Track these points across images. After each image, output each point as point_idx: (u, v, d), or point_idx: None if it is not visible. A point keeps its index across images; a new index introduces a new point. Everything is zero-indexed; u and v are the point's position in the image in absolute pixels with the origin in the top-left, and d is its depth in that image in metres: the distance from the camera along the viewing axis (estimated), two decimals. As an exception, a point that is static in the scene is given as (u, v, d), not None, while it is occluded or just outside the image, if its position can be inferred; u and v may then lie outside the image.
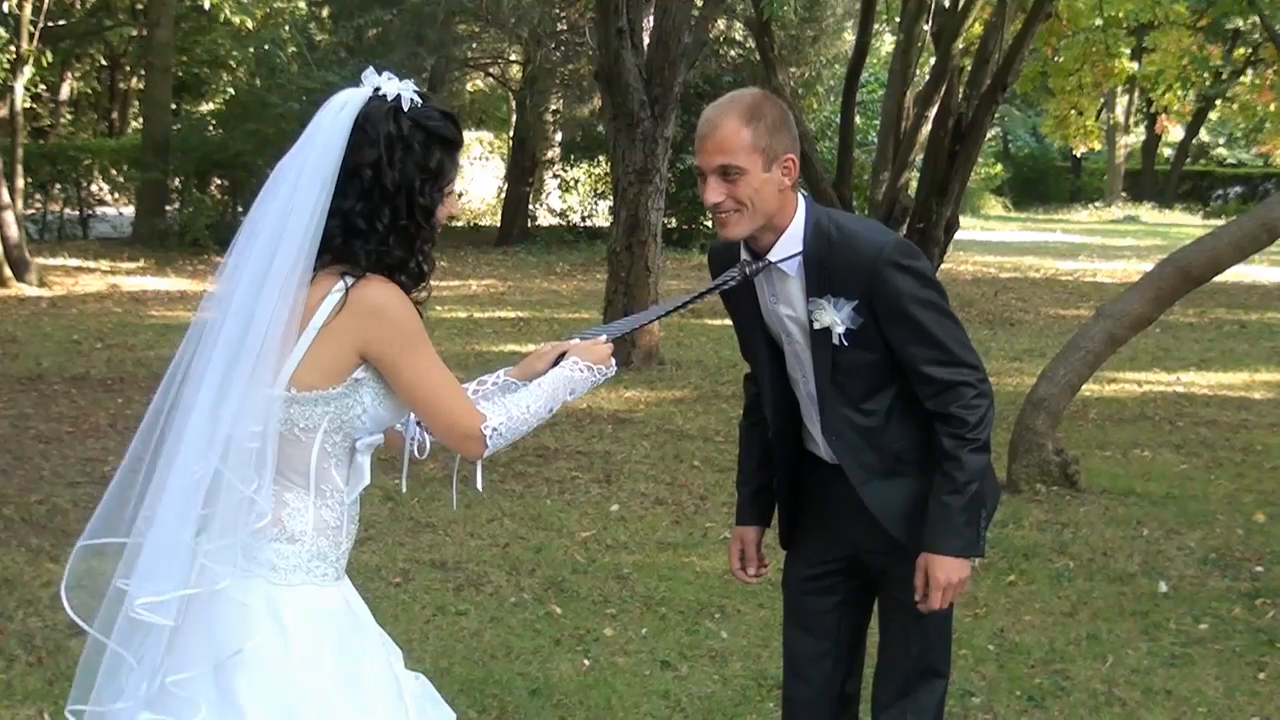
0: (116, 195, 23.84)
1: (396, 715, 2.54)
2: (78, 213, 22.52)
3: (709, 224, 21.35)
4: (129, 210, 22.88)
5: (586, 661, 5.04)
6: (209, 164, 21.36)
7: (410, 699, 2.59)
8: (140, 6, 24.07)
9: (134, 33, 25.53)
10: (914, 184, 15.01)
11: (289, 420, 2.47)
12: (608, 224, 18.57)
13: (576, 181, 26.18)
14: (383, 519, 6.75)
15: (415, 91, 2.53)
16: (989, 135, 23.44)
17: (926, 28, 14.89)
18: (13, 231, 16.12)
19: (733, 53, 23.11)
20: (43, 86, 26.04)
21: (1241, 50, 27.19)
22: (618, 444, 8.78)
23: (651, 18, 12.19)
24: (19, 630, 5.14)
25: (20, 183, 17.80)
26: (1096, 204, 41.04)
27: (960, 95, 13.73)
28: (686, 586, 5.91)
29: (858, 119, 18.07)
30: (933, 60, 15.33)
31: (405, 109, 2.50)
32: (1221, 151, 48.01)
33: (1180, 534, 6.91)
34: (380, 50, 21.44)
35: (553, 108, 25.50)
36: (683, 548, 6.54)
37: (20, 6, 17.21)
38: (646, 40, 11.94)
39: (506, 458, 7.95)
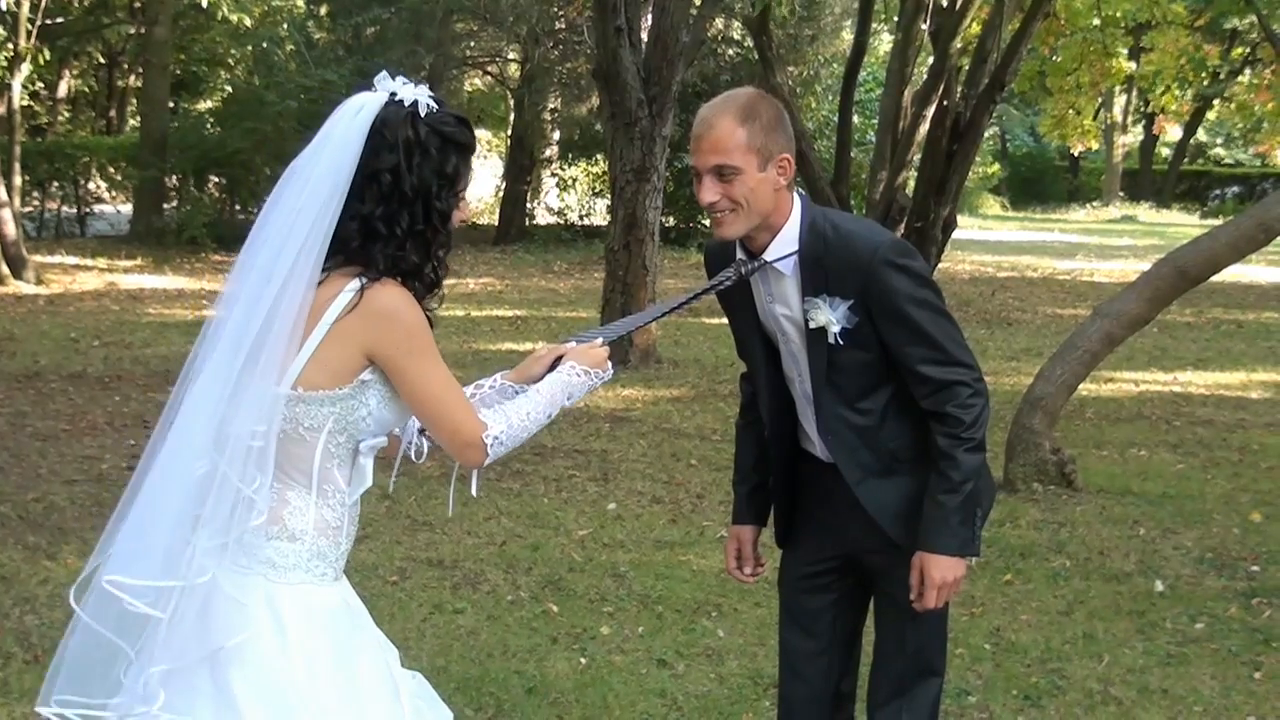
0: (114, 193, 23.84)
1: (394, 715, 2.55)
2: (75, 210, 22.50)
3: (706, 223, 21.26)
4: (126, 208, 22.88)
5: (583, 660, 5.04)
6: (207, 162, 21.32)
7: (407, 698, 2.60)
8: (138, 4, 24.05)
9: (132, 30, 25.53)
10: (912, 183, 15.01)
11: (294, 419, 2.48)
12: (605, 222, 18.55)
13: (574, 180, 26.19)
14: (380, 517, 6.75)
15: (430, 96, 2.54)
16: (987, 134, 23.50)
17: (924, 27, 14.88)
18: (10, 229, 16.12)
19: (731, 52, 23.11)
20: (40, 84, 26.07)
21: (1239, 50, 27.23)
22: (615, 442, 8.79)
23: (649, 16, 12.21)
24: (15, 628, 5.14)
25: (18, 180, 17.80)
26: (1094, 203, 41.06)
27: (958, 94, 13.74)
28: (683, 585, 5.91)
29: (855, 118, 18.10)
30: (930, 59, 15.32)
31: (422, 114, 2.51)
32: (1219, 151, 48.03)
33: (1177, 533, 6.92)
34: (378, 48, 21.47)
35: (550, 106, 25.49)
36: (679, 546, 6.55)
37: (18, 4, 17.18)
38: (644, 39, 11.96)
39: (504, 456, 7.93)
